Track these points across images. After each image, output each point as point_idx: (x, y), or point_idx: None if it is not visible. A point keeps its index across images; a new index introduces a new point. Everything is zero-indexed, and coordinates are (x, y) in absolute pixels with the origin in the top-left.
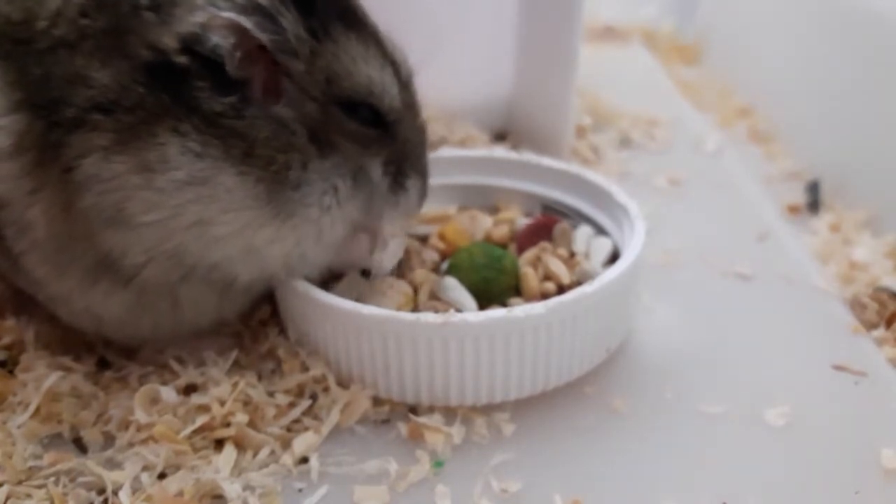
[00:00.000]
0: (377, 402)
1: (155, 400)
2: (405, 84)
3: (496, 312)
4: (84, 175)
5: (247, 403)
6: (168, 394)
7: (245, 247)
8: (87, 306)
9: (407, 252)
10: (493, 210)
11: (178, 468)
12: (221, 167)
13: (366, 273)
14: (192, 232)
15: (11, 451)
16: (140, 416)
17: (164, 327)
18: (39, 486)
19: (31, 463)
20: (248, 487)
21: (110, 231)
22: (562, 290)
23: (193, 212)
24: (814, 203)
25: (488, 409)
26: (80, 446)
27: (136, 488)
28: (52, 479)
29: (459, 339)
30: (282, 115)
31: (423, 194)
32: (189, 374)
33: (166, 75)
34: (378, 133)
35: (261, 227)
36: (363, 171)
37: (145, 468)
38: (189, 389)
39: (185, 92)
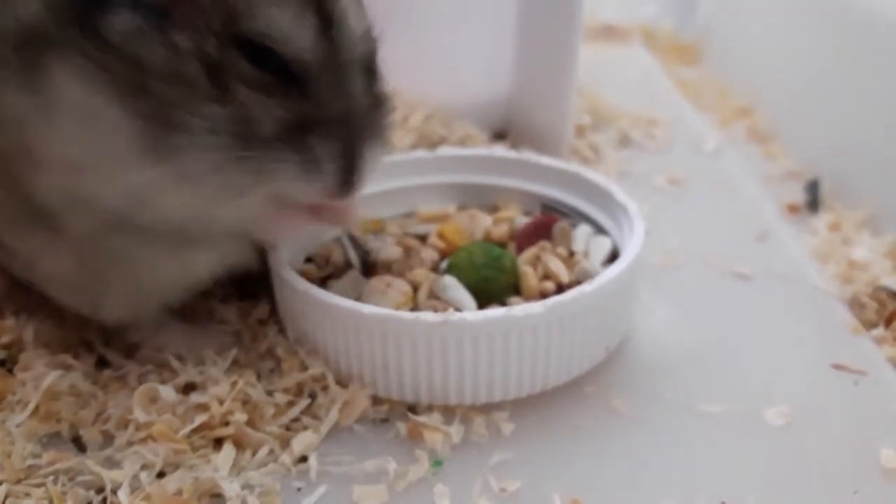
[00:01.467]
0: (376, 401)
1: (154, 399)
2: (336, 41)
3: (495, 312)
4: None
5: (245, 402)
6: (167, 393)
7: (138, 193)
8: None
9: (406, 251)
10: (493, 209)
11: (176, 467)
12: (109, 103)
13: (366, 271)
14: (88, 172)
15: (10, 450)
16: (139, 414)
17: (129, 297)
18: (38, 485)
19: (29, 462)
20: (247, 486)
21: (24, 172)
22: (561, 289)
23: (86, 151)
24: (813, 202)
25: (487, 409)
26: (79, 445)
27: (134, 487)
28: (51, 477)
29: (458, 338)
30: (180, 45)
31: (343, 172)
32: (188, 373)
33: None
34: (280, 83)
35: (143, 172)
36: (260, 124)
37: (144, 467)
38: (188, 388)
39: (96, 17)
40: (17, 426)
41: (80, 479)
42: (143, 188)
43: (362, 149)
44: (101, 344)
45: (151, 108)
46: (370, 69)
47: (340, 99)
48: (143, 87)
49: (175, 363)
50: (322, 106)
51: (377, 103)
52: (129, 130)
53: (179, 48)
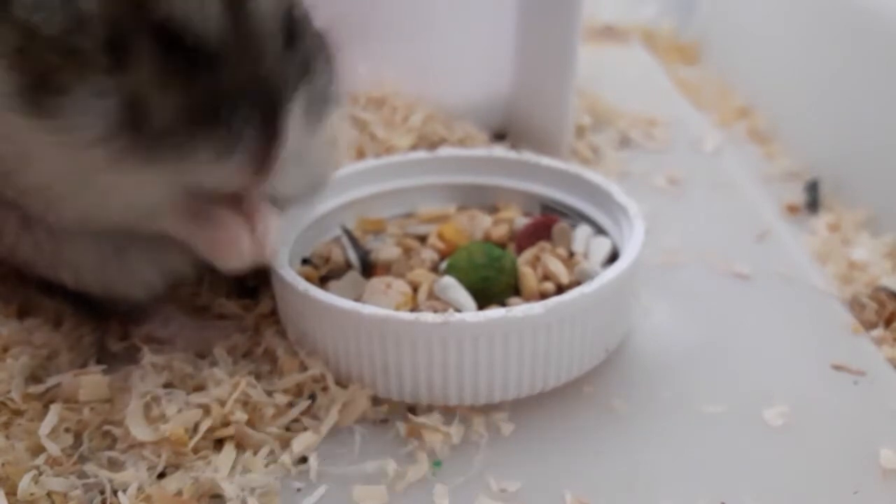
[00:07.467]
0: (376, 401)
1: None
2: (245, 13)
3: (495, 312)
4: None
5: (245, 403)
6: (168, 394)
7: (18, 150)
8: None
9: (406, 251)
10: (493, 209)
11: (177, 468)
12: None
13: (366, 271)
14: None
15: (13, 453)
16: (137, 432)
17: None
18: (40, 486)
19: (31, 463)
20: (246, 487)
21: None
22: (561, 289)
23: None
24: (813, 203)
25: (487, 409)
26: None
27: (135, 488)
28: (52, 478)
29: (458, 338)
30: (84, 11)
31: (256, 142)
32: (190, 373)
33: None
34: (186, 64)
35: (21, 124)
36: (157, 109)
37: (145, 468)
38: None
39: None
40: (20, 428)
41: (81, 480)
42: (22, 142)
43: (277, 117)
44: (101, 347)
45: (34, 69)
46: (291, 33)
47: (252, 72)
48: (28, 49)
49: (177, 363)
50: (232, 82)
51: (302, 70)
52: (12, 85)
53: (82, 15)
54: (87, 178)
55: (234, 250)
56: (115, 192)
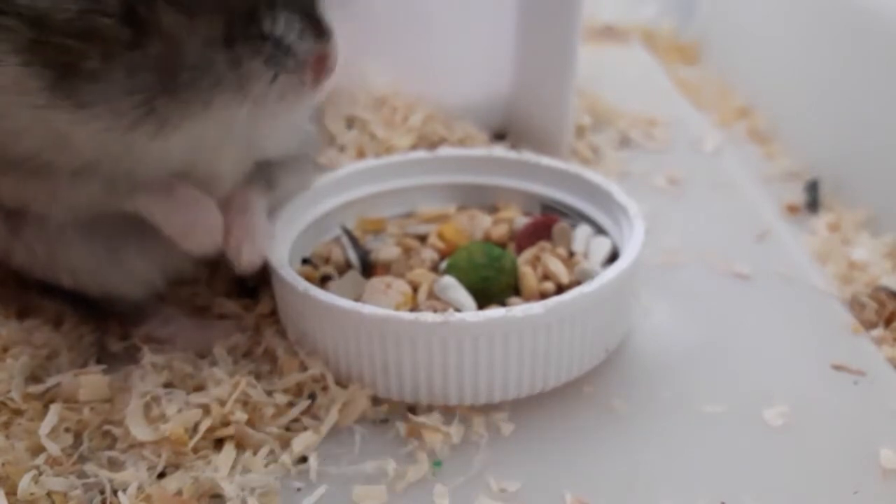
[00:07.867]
0: (376, 401)
1: (156, 409)
2: None
3: (495, 312)
4: None
5: (245, 403)
6: (168, 394)
7: (54, 136)
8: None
9: (406, 251)
10: (492, 209)
11: (177, 468)
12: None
13: (366, 271)
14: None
15: (12, 453)
16: (138, 432)
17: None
18: (40, 486)
19: (31, 463)
20: (246, 487)
21: None
22: (561, 289)
23: None
24: (813, 203)
25: (487, 409)
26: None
27: (135, 487)
28: (53, 479)
29: (458, 338)
30: None
31: (307, 45)
32: (190, 373)
33: None
34: None
35: (56, 116)
36: (190, 50)
37: (145, 468)
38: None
39: None
40: (20, 428)
41: (81, 480)
42: (60, 135)
43: (317, 9)
44: (101, 347)
45: (56, 59)
46: None
47: None
48: (44, 40)
49: (178, 363)
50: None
51: None
52: (27, 83)
53: None
54: (140, 148)
55: (206, 234)
56: (172, 149)
